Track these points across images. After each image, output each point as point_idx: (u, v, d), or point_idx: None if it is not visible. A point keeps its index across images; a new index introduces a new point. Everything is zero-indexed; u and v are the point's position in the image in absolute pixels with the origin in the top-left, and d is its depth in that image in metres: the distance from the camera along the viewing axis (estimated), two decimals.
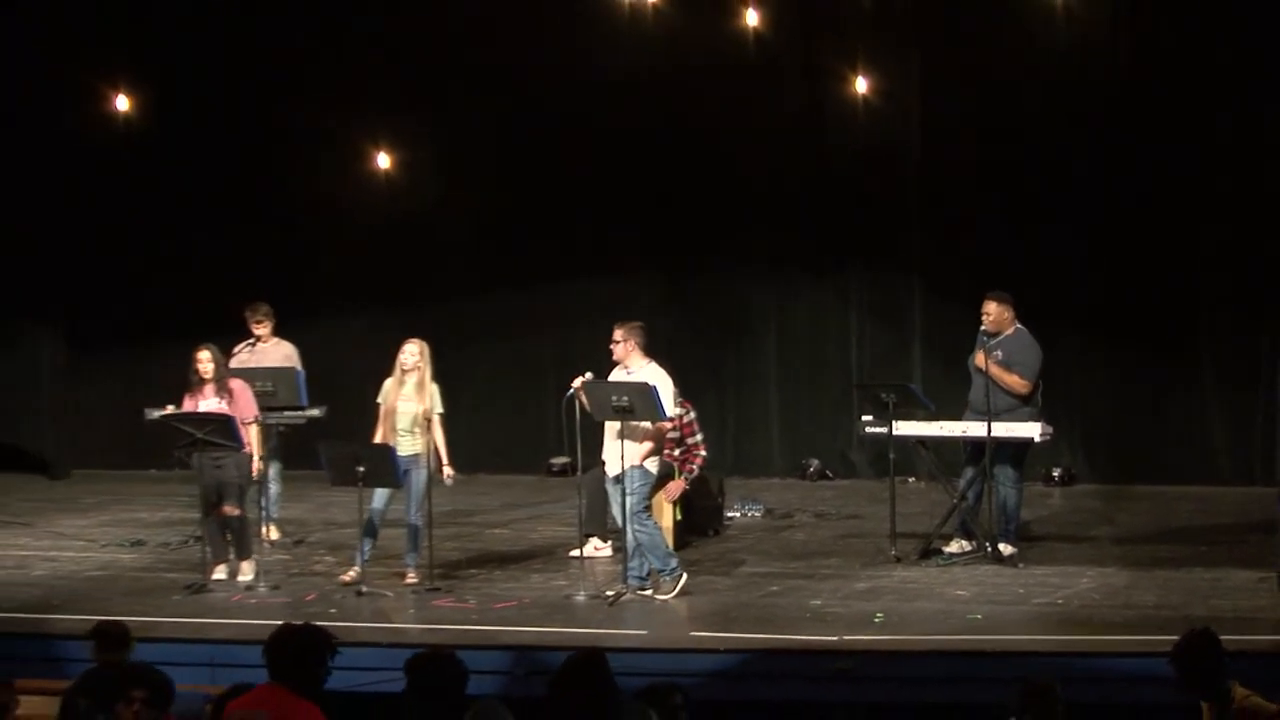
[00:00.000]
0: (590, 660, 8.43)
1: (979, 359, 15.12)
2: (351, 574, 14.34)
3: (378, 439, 14.40)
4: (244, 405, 14.88)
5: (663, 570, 13.74)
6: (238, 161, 20.66)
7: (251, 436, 14.76)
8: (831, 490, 19.51)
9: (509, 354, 21.01)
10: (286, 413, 16.43)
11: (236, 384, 14.97)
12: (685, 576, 13.87)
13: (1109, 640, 12.27)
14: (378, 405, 14.62)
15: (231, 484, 14.58)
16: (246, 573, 14.61)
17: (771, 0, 19.63)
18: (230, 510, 14.62)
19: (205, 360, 14.78)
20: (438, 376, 14.56)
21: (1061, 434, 17.40)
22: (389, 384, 14.55)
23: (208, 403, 14.70)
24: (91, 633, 10.29)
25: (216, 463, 14.46)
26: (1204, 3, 18.80)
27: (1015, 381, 15.05)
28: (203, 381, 14.74)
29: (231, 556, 14.72)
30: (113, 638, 10.16)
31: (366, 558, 14.37)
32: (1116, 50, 19.30)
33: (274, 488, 16.50)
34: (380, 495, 14.43)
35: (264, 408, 15.26)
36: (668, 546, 14.05)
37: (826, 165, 20.24)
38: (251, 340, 16.67)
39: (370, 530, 14.40)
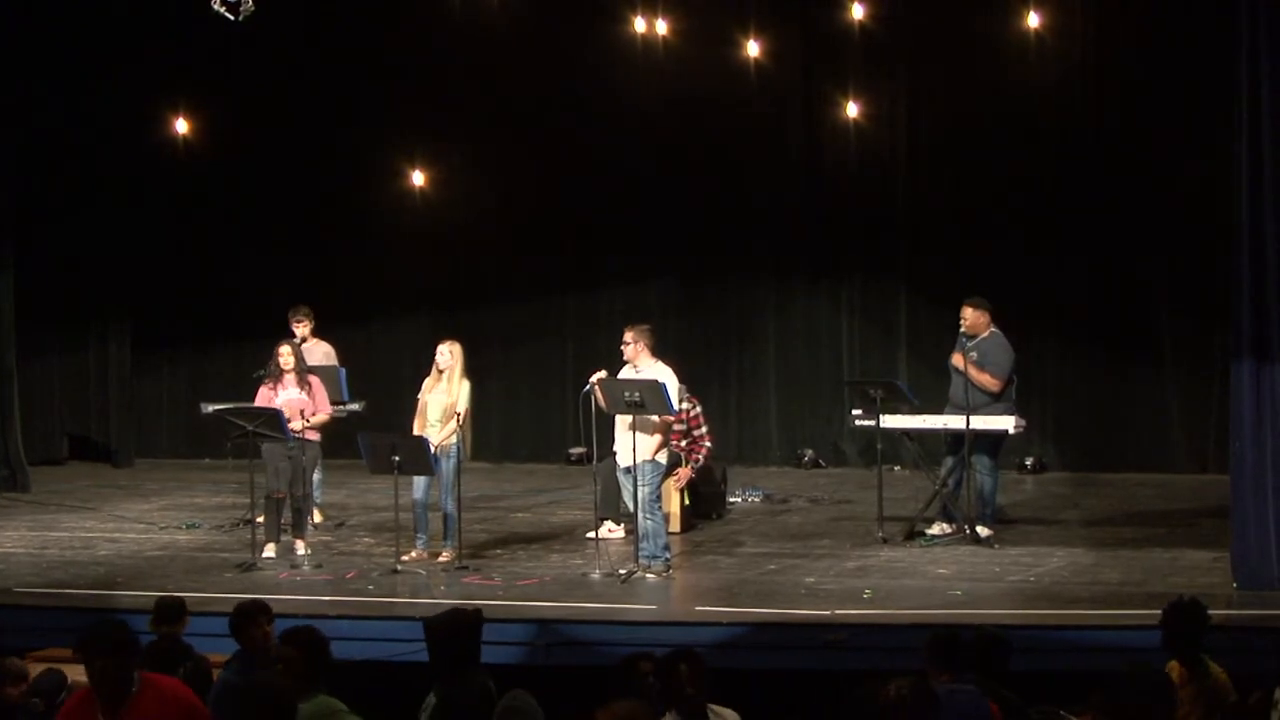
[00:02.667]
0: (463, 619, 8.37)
1: (957, 359, 15.09)
2: (412, 555, 14.36)
3: (416, 430, 14.41)
4: (321, 398, 14.94)
5: (657, 556, 13.73)
6: (286, 179, 20.63)
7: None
8: (825, 477, 19.43)
9: (532, 355, 20.95)
10: (331, 406, 16.37)
11: (315, 379, 15.02)
12: (671, 568, 13.84)
13: (1077, 614, 12.23)
14: (418, 400, 14.66)
15: (305, 469, 14.60)
16: (300, 549, 14.58)
17: (771, 34, 19.60)
18: (299, 493, 14.64)
19: (286, 354, 14.89)
20: (469, 374, 14.56)
21: (1034, 426, 17.39)
22: (427, 381, 14.60)
23: (287, 393, 14.79)
24: (153, 607, 10.23)
25: (291, 451, 14.44)
26: (1161, 36, 18.75)
27: (987, 380, 15.02)
28: (282, 372, 14.80)
29: (286, 536, 14.69)
30: (172, 611, 10.11)
31: (425, 541, 14.47)
32: (1085, 77, 19.27)
33: (317, 475, 16.48)
34: (419, 486, 14.43)
35: None
36: (666, 538, 14.01)
37: (821, 183, 20.21)
38: (298, 341, 16.56)
39: (420, 518, 14.45)
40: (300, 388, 14.83)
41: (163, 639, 9.83)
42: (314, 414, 14.87)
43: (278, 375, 14.85)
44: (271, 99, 20.52)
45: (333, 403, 16.30)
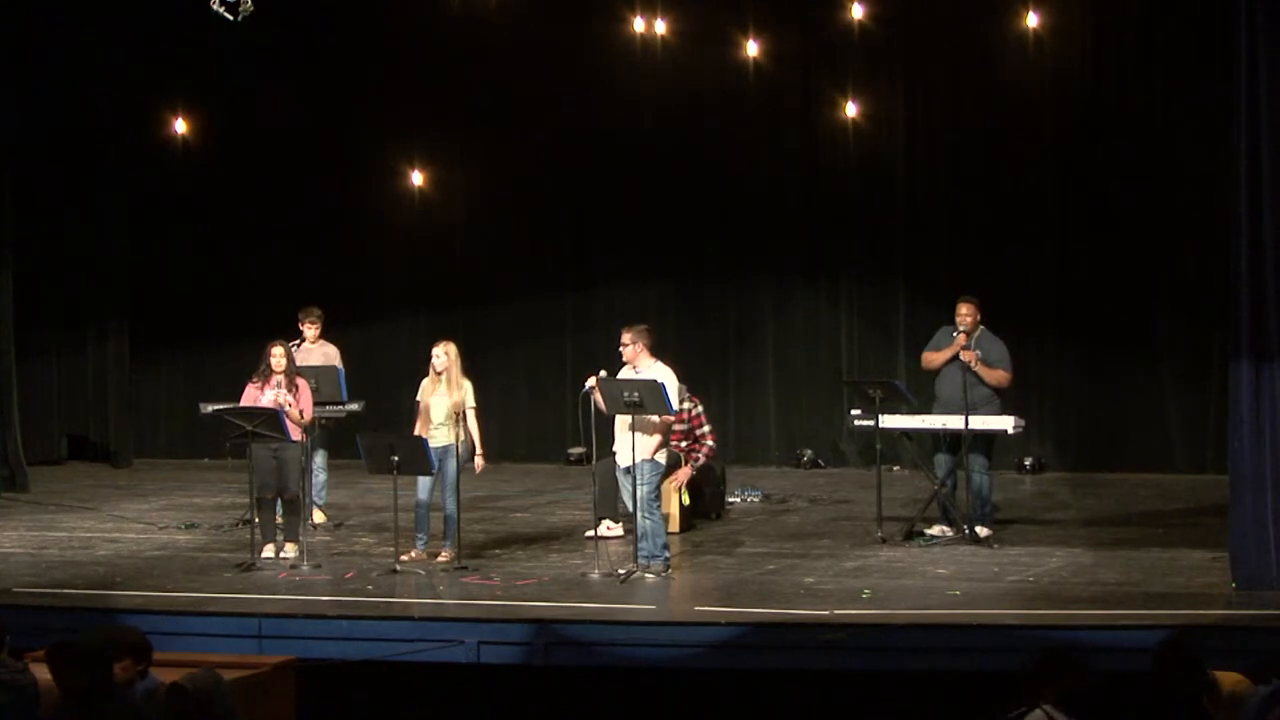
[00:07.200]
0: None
1: (966, 355, 14.96)
2: (411, 555, 14.33)
3: (417, 433, 14.38)
4: (305, 400, 14.88)
5: (656, 556, 13.70)
6: (285, 179, 20.63)
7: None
8: (823, 478, 19.42)
9: (531, 355, 20.95)
10: (329, 407, 16.34)
11: (301, 380, 14.96)
12: (670, 568, 13.81)
13: (1076, 614, 12.19)
14: (417, 403, 14.61)
15: (291, 471, 14.56)
16: (290, 552, 14.52)
17: (769, 33, 19.61)
18: (290, 495, 14.59)
19: (279, 355, 14.79)
20: (469, 374, 14.55)
21: (1033, 426, 17.37)
22: (425, 383, 14.54)
23: (271, 392, 14.67)
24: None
25: (275, 453, 14.41)
26: (1160, 36, 18.79)
27: (1002, 375, 15.00)
28: (272, 372, 14.74)
29: (279, 537, 14.66)
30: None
31: (425, 542, 14.45)
32: (1084, 77, 19.29)
33: (320, 476, 16.46)
34: (423, 487, 14.40)
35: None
36: (665, 538, 13.99)
37: (819, 183, 20.20)
38: (298, 340, 16.53)
39: (422, 519, 14.44)
40: (286, 388, 14.77)
41: None
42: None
43: (267, 375, 14.80)
44: (270, 99, 20.53)
45: (332, 403, 16.27)
